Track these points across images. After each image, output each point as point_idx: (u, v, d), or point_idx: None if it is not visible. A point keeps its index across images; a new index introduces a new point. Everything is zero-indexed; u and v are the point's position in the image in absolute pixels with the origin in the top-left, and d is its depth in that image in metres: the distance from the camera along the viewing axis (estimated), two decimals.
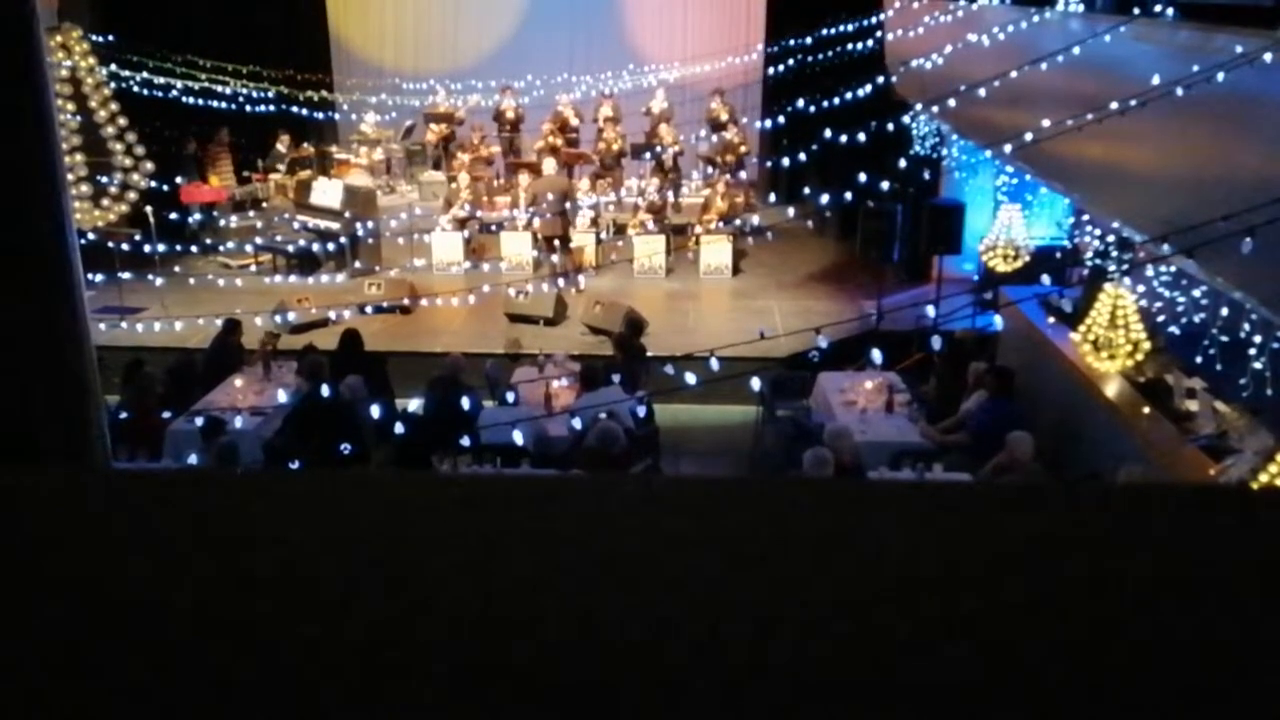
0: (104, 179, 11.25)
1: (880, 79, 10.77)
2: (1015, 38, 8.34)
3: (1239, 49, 5.38)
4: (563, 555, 0.67)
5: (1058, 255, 10.24)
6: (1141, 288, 7.97)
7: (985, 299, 10.12)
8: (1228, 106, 5.57)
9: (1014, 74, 7.74)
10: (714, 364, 6.37)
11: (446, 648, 0.58)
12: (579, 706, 0.54)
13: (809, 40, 13.31)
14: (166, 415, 7.93)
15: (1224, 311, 7.09)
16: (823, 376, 8.57)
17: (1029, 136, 7.16)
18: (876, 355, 7.40)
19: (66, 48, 11.20)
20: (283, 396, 7.87)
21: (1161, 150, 6.60)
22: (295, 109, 14.97)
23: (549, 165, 12.79)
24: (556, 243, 12.10)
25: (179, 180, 13.32)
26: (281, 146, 14.85)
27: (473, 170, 14.04)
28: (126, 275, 11.20)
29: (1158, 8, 6.86)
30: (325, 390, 7.37)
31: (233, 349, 8.91)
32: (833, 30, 12.89)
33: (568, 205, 12.26)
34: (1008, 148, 7.69)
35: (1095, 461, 7.26)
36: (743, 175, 14.52)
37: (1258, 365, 6.75)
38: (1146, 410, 6.94)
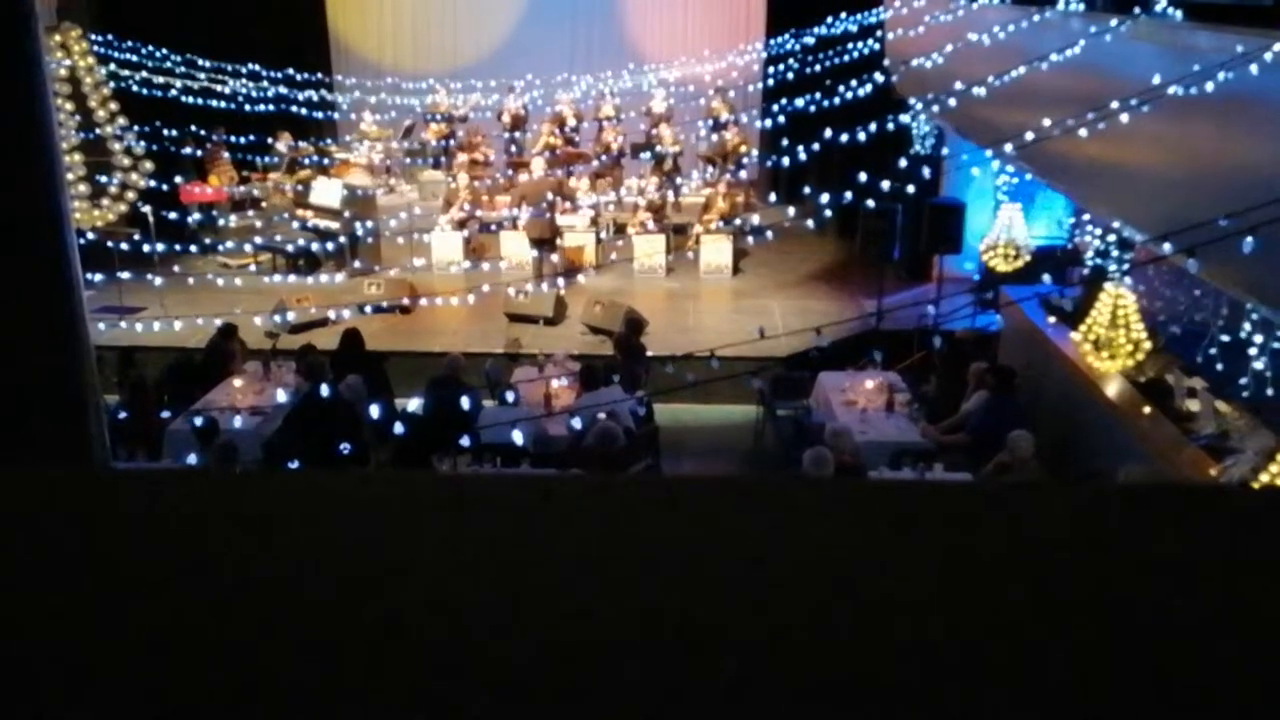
0: (103, 179, 11.25)
1: (880, 78, 10.76)
2: (1016, 37, 8.33)
3: (1239, 48, 5.38)
4: (561, 555, 0.67)
5: (1058, 255, 10.24)
6: (1142, 287, 7.97)
7: (986, 298, 10.12)
8: (1228, 106, 5.57)
9: (1015, 73, 7.73)
10: (714, 363, 6.37)
11: (445, 647, 0.58)
12: (578, 707, 0.54)
13: (809, 39, 13.31)
14: (166, 415, 7.92)
15: (1224, 311, 7.09)
16: (823, 376, 8.57)
17: (1030, 136, 7.16)
18: (877, 355, 7.39)
19: (65, 47, 11.19)
20: (282, 396, 7.87)
21: (1162, 150, 6.60)
22: (295, 108, 14.96)
23: (538, 166, 12.85)
24: (542, 246, 12.16)
25: (178, 180, 13.32)
26: (281, 146, 14.84)
27: (472, 170, 14.04)
28: (126, 275, 11.18)
29: (1158, 7, 6.86)
30: (325, 390, 7.36)
31: (227, 354, 8.87)
32: (833, 29, 12.89)
33: (549, 200, 12.28)
34: (1009, 147, 7.68)
35: (1096, 461, 7.26)
36: (743, 175, 14.51)
37: (1258, 365, 6.75)
38: (1147, 410, 6.94)
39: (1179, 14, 6.85)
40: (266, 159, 14.75)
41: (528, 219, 12.25)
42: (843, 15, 12.86)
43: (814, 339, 6.77)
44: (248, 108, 14.34)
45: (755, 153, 14.88)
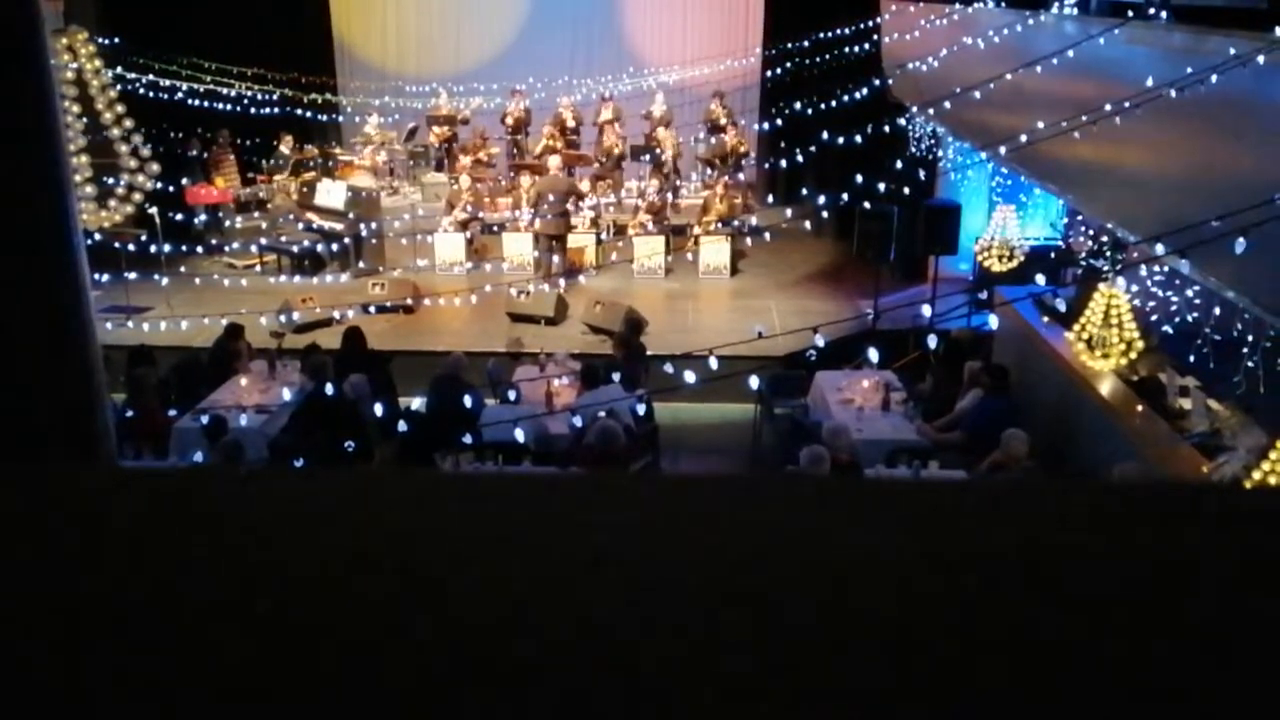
0: (110, 180, 11.32)
1: (877, 82, 10.82)
2: (1010, 40, 8.39)
3: (1232, 51, 5.43)
4: (562, 553, 0.67)
5: (1052, 255, 10.29)
6: (1135, 287, 8.02)
7: (980, 298, 10.16)
8: (1221, 108, 5.62)
9: (1009, 76, 7.80)
10: (713, 363, 6.42)
11: (444, 646, 0.59)
12: (577, 707, 0.54)
13: (807, 43, 13.37)
14: (172, 413, 8.00)
15: (1217, 311, 7.14)
16: (820, 375, 8.61)
17: (1024, 138, 7.22)
18: (873, 354, 7.44)
19: (72, 50, 11.28)
20: (288, 394, 7.95)
21: (1155, 151, 6.65)
22: (299, 111, 15.03)
23: (554, 163, 12.87)
24: (554, 242, 12.20)
25: (184, 181, 13.38)
26: (285, 148, 14.91)
27: (474, 172, 14.11)
28: (132, 275, 11.25)
29: (1151, 10, 6.92)
30: (329, 388, 7.43)
31: (233, 353, 8.94)
32: (830, 33, 12.95)
33: (570, 205, 12.34)
34: (1003, 149, 7.74)
35: (1089, 459, 7.30)
36: (741, 177, 14.57)
37: (1250, 364, 6.79)
38: (1140, 408, 6.98)
39: (1170, 17, 6.91)
40: (271, 161, 14.83)
41: (544, 220, 12.26)
42: (839, 20, 12.91)
43: (811, 338, 6.83)
44: (253, 110, 14.42)
45: (753, 155, 14.94)
